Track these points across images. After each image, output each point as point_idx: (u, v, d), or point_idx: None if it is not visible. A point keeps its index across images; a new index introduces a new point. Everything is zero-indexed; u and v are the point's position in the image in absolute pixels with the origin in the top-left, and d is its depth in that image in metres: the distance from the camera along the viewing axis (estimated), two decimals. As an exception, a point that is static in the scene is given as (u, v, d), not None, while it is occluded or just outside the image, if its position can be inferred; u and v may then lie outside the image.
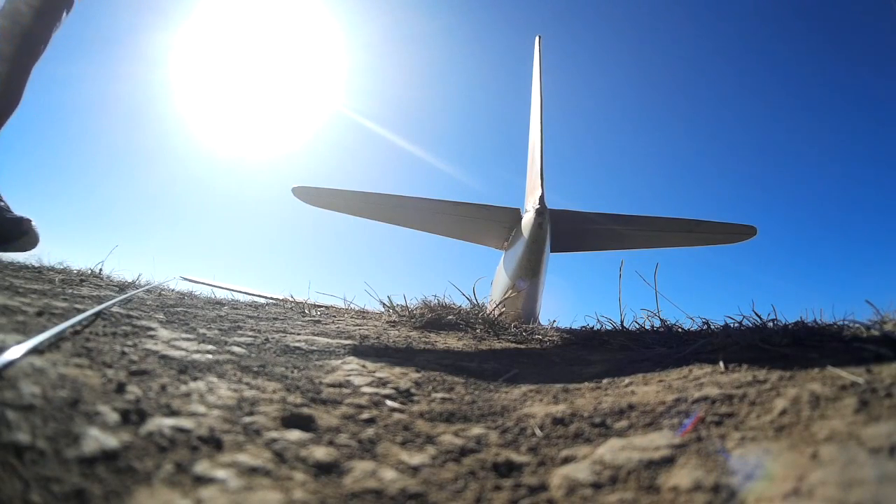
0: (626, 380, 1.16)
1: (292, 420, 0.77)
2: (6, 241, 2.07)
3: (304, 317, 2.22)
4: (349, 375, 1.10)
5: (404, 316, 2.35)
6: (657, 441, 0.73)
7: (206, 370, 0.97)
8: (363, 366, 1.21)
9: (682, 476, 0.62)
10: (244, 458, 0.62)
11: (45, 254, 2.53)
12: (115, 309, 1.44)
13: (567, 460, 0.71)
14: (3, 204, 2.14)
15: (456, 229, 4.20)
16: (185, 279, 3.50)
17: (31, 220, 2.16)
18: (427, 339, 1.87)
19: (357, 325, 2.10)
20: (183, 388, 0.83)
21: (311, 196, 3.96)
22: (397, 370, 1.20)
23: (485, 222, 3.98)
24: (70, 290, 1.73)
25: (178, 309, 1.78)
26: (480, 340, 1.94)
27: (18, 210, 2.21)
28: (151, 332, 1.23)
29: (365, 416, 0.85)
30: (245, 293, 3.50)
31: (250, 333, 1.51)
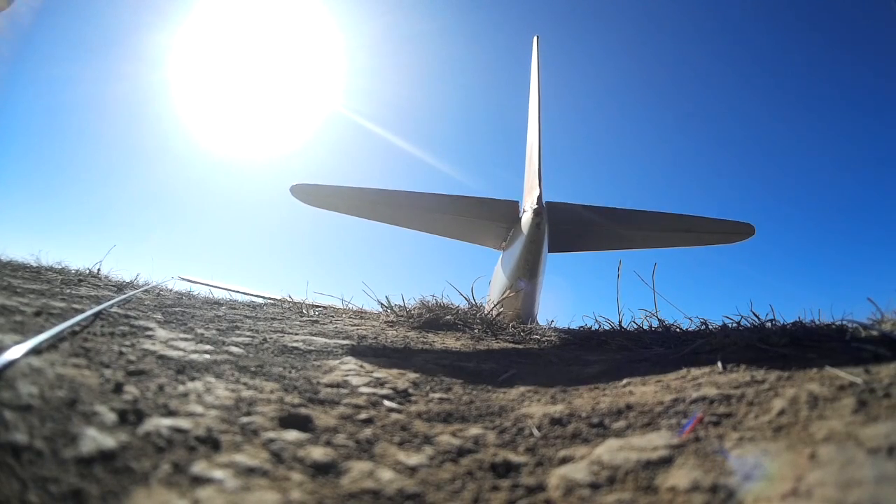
0: (624, 380, 1.16)
1: (290, 420, 0.77)
2: None
3: (301, 317, 2.22)
4: (347, 375, 1.10)
5: (402, 316, 2.35)
6: (655, 441, 0.73)
7: (204, 370, 0.97)
8: (361, 366, 1.21)
9: (680, 476, 0.62)
10: (242, 458, 0.62)
11: (42, 253, 2.54)
12: (113, 309, 1.44)
13: (565, 461, 0.71)
14: None
15: (455, 229, 4.20)
16: (183, 279, 3.50)
17: None
18: (425, 340, 1.87)
19: (355, 325, 2.10)
20: (181, 388, 0.83)
21: (310, 194, 3.95)
22: (395, 370, 1.19)
23: (484, 221, 3.99)
24: (68, 290, 1.73)
25: (176, 309, 1.78)
26: (478, 341, 1.94)
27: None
28: (149, 333, 1.23)
29: (362, 416, 0.85)
30: (243, 293, 3.50)
31: (248, 333, 1.50)
